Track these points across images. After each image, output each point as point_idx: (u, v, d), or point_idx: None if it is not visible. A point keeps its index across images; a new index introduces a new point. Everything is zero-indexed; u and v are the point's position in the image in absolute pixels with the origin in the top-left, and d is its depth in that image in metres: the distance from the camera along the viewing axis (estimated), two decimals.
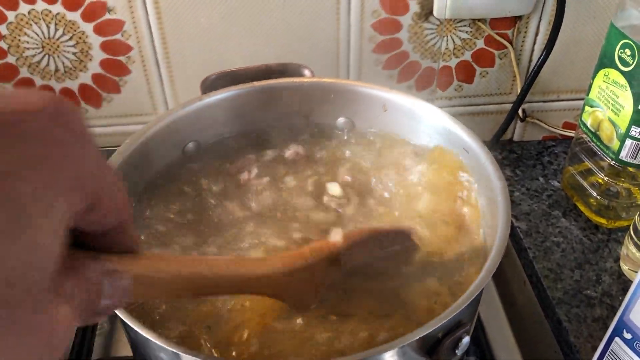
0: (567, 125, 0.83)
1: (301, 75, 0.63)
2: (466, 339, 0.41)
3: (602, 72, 0.64)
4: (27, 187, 0.19)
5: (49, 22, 0.69)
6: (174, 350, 0.37)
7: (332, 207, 0.54)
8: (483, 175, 0.51)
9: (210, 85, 0.61)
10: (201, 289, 0.34)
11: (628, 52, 0.59)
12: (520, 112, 0.79)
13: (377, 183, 0.56)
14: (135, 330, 0.38)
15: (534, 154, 0.82)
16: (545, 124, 0.82)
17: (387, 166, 0.57)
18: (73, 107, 0.22)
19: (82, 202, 0.22)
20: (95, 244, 0.25)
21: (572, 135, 0.80)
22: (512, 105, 0.78)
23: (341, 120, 0.62)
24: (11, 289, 0.18)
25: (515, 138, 0.84)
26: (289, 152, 0.60)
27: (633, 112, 0.60)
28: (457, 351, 0.41)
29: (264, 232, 0.51)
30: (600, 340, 0.58)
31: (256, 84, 0.60)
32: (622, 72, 0.60)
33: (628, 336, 0.48)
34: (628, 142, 0.62)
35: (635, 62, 0.59)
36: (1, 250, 0.18)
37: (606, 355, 0.50)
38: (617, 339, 0.49)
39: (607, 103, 0.63)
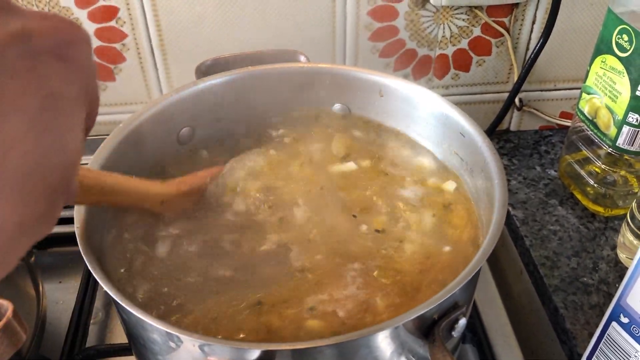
0: (564, 115, 0.82)
1: (297, 61, 0.62)
2: (462, 321, 0.41)
3: (599, 59, 0.63)
4: (65, 100, 0.25)
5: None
6: (168, 330, 0.36)
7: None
8: (479, 159, 0.51)
9: (205, 71, 0.61)
10: (110, 196, 0.46)
11: (625, 37, 0.59)
12: (517, 101, 0.79)
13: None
14: (129, 311, 0.38)
15: (530, 143, 0.81)
16: (542, 113, 0.81)
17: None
18: (88, 35, 0.27)
19: (86, 110, 0.27)
20: None
21: (569, 124, 0.80)
22: (508, 94, 0.78)
23: (337, 106, 0.62)
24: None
25: (512, 128, 0.84)
26: (286, 139, 0.60)
27: (630, 98, 0.60)
28: (453, 333, 0.41)
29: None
30: (597, 326, 0.57)
31: (251, 69, 0.59)
32: (619, 58, 0.60)
33: (625, 320, 0.48)
34: (625, 128, 0.61)
35: (632, 48, 0.58)
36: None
37: (603, 339, 0.50)
38: (614, 323, 0.49)
39: (604, 90, 0.63)
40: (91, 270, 0.39)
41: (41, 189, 0.24)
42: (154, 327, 0.37)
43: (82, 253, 0.41)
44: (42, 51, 0.24)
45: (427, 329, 0.40)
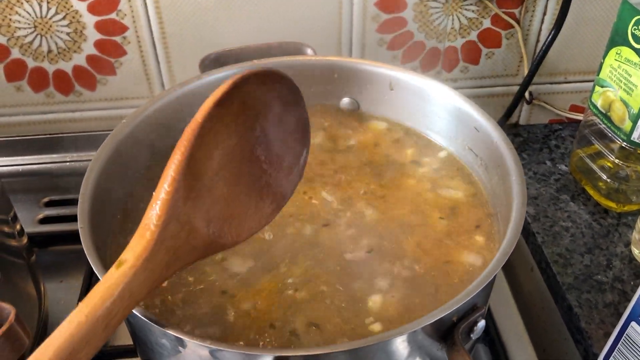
0: (574, 108, 0.81)
1: (303, 54, 0.60)
2: (481, 323, 0.40)
3: (613, 51, 0.62)
4: None
5: (41, 1, 0.66)
6: (178, 335, 0.35)
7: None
8: (495, 154, 0.49)
9: (209, 64, 0.59)
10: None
11: None
12: (526, 94, 0.77)
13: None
14: (137, 316, 0.36)
15: (540, 138, 0.80)
16: (552, 106, 0.80)
17: None
18: None
19: None
20: None
21: (579, 118, 0.78)
22: (518, 87, 0.76)
23: (345, 100, 0.60)
24: None
25: (521, 121, 0.82)
26: None
27: None
28: (472, 335, 0.40)
29: None
30: (612, 325, 0.56)
31: (256, 62, 0.57)
32: (635, 50, 0.59)
33: None
34: None
35: None
36: None
37: (621, 340, 0.49)
38: (633, 323, 0.48)
39: (619, 82, 0.62)
40: (99, 276, 0.38)
41: None
42: (164, 332, 0.36)
43: (86, 255, 0.39)
44: None
45: (446, 331, 0.39)
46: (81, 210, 0.43)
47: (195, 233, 0.35)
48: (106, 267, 0.40)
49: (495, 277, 0.41)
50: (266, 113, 0.39)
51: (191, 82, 0.55)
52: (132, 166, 0.51)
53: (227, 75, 0.56)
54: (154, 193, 0.34)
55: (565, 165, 0.75)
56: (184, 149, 0.34)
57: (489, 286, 0.40)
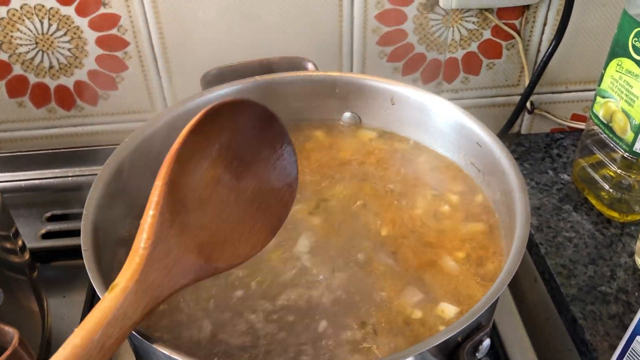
0: (576, 117, 0.81)
1: (304, 69, 0.60)
2: (487, 342, 0.39)
3: (614, 62, 0.62)
4: None
5: (42, 17, 0.67)
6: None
7: None
8: (497, 170, 0.49)
9: (211, 80, 0.59)
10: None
11: None
12: (528, 104, 0.77)
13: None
14: (140, 339, 0.36)
15: (542, 147, 0.80)
16: (554, 116, 0.80)
17: None
18: None
19: None
20: None
21: (581, 127, 0.78)
22: (519, 97, 0.76)
23: (347, 115, 0.60)
24: None
25: (523, 131, 0.82)
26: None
27: None
28: (477, 354, 0.40)
29: None
30: (617, 337, 0.56)
31: (258, 78, 0.58)
32: (636, 62, 0.59)
33: None
34: None
35: None
36: None
37: (627, 354, 0.49)
38: (638, 337, 0.48)
39: (620, 93, 0.61)
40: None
41: None
42: (171, 357, 0.35)
43: (91, 280, 0.39)
44: None
45: (451, 351, 0.38)
46: (84, 232, 0.43)
47: (185, 256, 0.36)
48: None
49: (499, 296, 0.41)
50: (246, 141, 0.41)
51: (192, 100, 0.55)
52: (134, 185, 0.51)
53: (228, 92, 0.57)
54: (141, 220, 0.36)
55: (568, 175, 0.75)
56: (164, 174, 0.36)
57: (494, 305, 0.40)
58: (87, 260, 0.41)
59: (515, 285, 0.72)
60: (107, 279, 0.43)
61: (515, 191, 0.45)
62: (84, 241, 0.42)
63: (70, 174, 0.77)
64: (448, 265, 0.47)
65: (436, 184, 0.54)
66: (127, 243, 0.49)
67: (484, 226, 0.50)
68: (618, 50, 0.61)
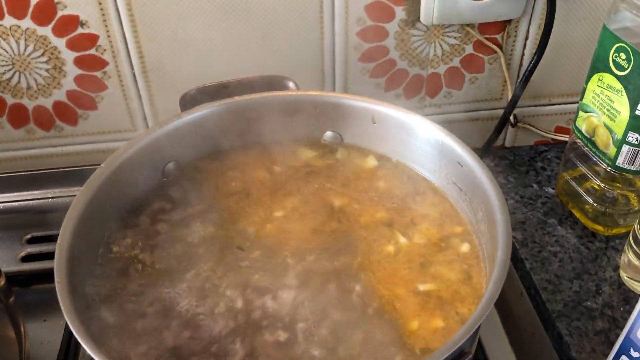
0: (559, 130, 0.81)
1: (285, 87, 0.60)
2: None
3: (596, 77, 0.62)
4: None
5: (18, 38, 0.66)
6: None
7: None
8: (479, 189, 0.49)
9: (189, 101, 0.58)
10: None
11: (623, 55, 0.57)
12: (511, 117, 0.77)
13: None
14: None
15: (526, 160, 0.80)
16: (537, 128, 0.80)
17: None
18: None
19: None
20: None
21: (565, 139, 0.78)
22: (503, 111, 0.76)
23: (328, 134, 0.60)
24: None
25: (507, 144, 0.82)
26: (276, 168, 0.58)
27: (630, 117, 0.58)
28: None
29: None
30: (603, 354, 0.56)
31: (238, 99, 0.57)
32: (617, 77, 0.59)
33: (636, 354, 0.46)
34: (625, 148, 0.60)
35: (630, 66, 0.57)
36: None
37: None
38: (623, 357, 0.47)
39: (602, 108, 0.61)
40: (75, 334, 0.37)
41: None
42: None
43: (64, 314, 0.38)
44: None
45: None
46: (58, 263, 0.42)
47: None
48: (85, 315, 0.39)
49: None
50: None
51: (170, 122, 0.55)
52: (110, 210, 0.50)
53: (206, 113, 0.56)
54: None
55: (552, 188, 0.75)
56: None
57: (476, 332, 0.40)
58: (60, 292, 0.40)
59: (500, 299, 0.71)
60: (82, 308, 0.42)
61: (497, 213, 0.45)
62: (58, 273, 0.41)
63: (51, 195, 0.76)
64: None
65: (417, 207, 0.54)
66: (102, 269, 0.48)
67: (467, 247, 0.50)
68: (599, 65, 0.61)
